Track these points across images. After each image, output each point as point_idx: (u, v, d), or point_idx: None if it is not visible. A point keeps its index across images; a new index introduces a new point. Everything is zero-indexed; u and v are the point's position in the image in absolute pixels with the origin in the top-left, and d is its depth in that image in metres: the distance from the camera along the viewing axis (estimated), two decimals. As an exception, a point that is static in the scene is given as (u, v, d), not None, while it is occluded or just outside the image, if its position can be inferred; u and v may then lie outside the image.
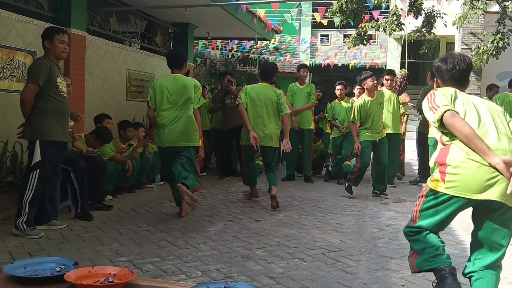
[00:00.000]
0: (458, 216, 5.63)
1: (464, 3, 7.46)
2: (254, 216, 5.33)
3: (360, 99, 6.73)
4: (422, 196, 2.69)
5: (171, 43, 10.24)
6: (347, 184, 6.78)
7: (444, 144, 2.59)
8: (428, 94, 2.71)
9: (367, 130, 6.70)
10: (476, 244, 2.68)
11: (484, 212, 2.59)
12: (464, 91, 2.84)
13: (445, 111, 2.49)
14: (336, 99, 8.53)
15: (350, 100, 8.47)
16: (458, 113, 2.51)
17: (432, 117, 2.56)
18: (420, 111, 6.77)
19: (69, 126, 5.09)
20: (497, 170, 2.35)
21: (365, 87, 6.70)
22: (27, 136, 4.21)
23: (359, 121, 6.73)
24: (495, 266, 2.60)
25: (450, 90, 2.69)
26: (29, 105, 4.13)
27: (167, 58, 5.37)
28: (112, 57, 7.75)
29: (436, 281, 2.69)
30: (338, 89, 8.42)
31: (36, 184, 4.12)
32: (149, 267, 3.47)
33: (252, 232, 4.60)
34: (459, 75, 2.80)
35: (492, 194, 2.40)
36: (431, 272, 2.75)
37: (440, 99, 2.59)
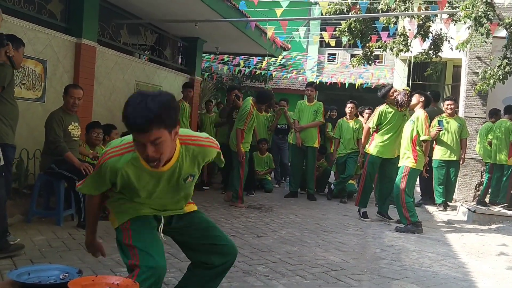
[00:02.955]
0: (461, 240, 5.61)
1: (468, 28, 7.51)
2: (257, 232, 5.32)
3: (383, 106, 6.51)
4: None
5: (180, 57, 10.34)
6: (361, 212, 6.63)
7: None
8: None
9: (385, 144, 6.44)
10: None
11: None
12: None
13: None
14: (345, 117, 8.54)
15: (358, 120, 8.49)
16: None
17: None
18: None
19: (76, 136, 5.15)
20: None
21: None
22: None
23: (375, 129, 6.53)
24: None
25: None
26: None
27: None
28: (121, 68, 7.82)
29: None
30: (349, 107, 8.42)
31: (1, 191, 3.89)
32: (150, 279, 3.45)
33: (254, 247, 4.59)
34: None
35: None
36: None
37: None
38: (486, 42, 7.39)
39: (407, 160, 6.02)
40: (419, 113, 6.05)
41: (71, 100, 5.06)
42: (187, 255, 2.68)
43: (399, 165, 6.17)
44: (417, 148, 5.95)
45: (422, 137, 5.90)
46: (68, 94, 5.06)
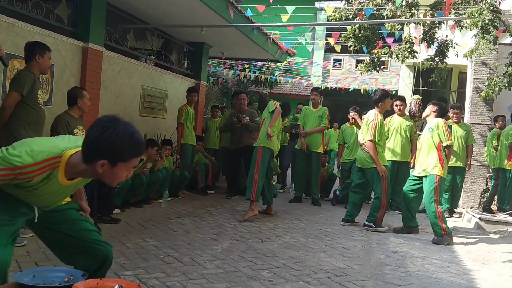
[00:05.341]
0: (466, 247, 5.58)
1: (475, 35, 7.50)
2: (261, 236, 5.32)
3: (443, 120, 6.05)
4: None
5: (186, 62, 10.38)
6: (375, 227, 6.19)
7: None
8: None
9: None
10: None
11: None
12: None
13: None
14: (347, 123, 8.54)
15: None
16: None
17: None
18: None
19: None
20: None
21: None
22: (4, 144, 4.04)
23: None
24: None
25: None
26: (8, 113, 4.22)
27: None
28: (127, 72, 7.86)
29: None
30: (351, 116, 8.43)
31: None
32: (154, 282, 3.47)
33: (258, 252, 4.59)
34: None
35: None
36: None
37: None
38: (495, 50, 7.39)
39: (435, 169, 5.77)
40: (438, 120, 5.91)
41: (88, 103, 5.15)
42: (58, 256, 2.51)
43: (420, 175, 5.90)
44: (443, 155, 5.81)
45: (445, 143, 5.81)
46: (84, 97, 5.08)
